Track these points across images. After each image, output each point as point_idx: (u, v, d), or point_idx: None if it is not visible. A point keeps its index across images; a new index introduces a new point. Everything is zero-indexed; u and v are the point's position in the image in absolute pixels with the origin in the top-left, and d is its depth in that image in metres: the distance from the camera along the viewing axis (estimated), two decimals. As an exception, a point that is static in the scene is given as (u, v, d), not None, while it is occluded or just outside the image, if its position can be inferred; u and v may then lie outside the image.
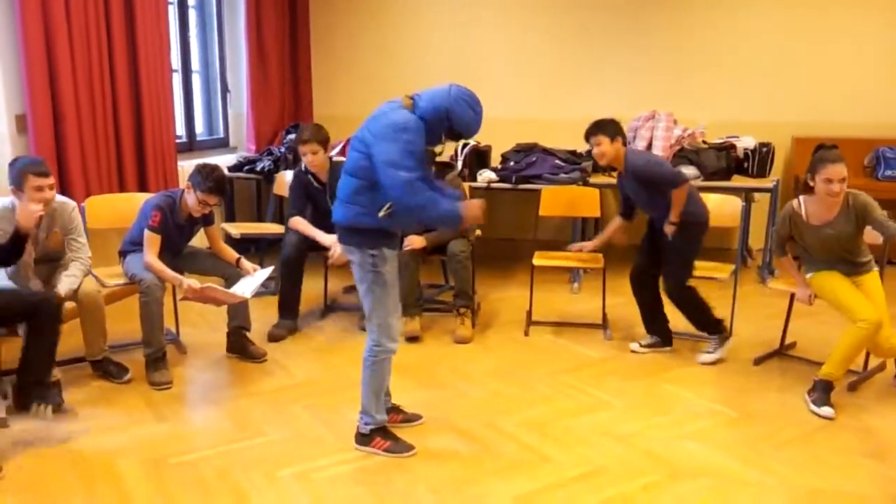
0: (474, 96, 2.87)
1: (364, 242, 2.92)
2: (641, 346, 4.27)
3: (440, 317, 4.78)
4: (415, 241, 4.36)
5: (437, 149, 3.12)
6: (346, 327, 4.64)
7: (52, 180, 3.40)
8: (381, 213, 2.86)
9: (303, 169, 4.49)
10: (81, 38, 4.43)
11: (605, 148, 3.96)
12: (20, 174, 3.33)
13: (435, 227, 2.87)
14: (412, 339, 4.36)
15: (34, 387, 3.22)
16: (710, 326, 4.16)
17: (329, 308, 4.98)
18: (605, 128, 3.97)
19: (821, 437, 3.25)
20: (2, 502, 2.72)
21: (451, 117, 2.83)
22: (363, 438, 3.11)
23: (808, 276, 3.77)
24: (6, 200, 3.45)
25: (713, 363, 4.08)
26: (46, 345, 3.25)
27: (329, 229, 4.36)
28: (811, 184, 3.57)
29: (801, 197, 3.69)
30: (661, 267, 4.14)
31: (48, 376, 3.30)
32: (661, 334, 4.28)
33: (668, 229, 3.99)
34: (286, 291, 4.48)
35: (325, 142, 4.39)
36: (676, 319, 4.19)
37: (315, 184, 4.47)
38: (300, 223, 4.46)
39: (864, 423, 3.39)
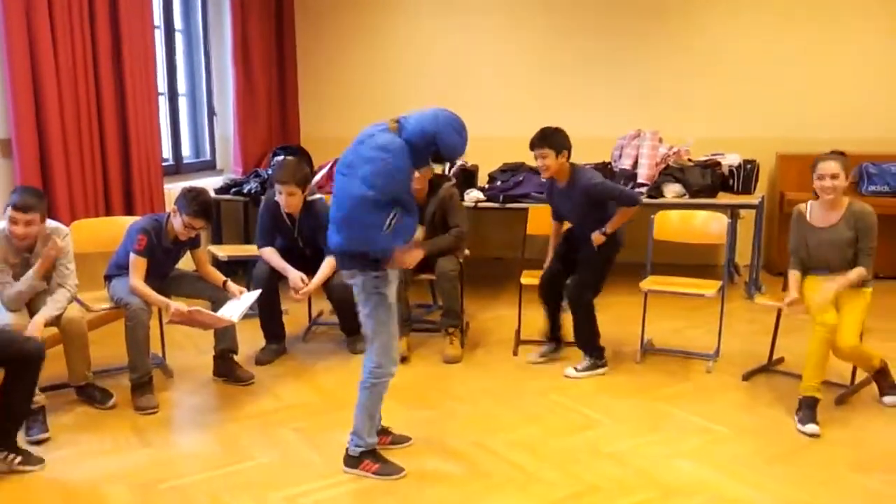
0: (460, 121, 2.92)
1: (367, 265, 2.92)
2: (541, 356, 4.34)
3: (429, 337, 4.77)
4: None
5: (437, 169, 3.14)
6: (333, 349, 4.61)
7: (28, 217, 3.35)
8: (384, 230, 2.83)
9: (274, 199, 4.31)
10: (67, 61, 4.43)
11: (550, 162, 3.94)
12: (8, 203, 3.35)
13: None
14: (400, 359, 4.31)
15: (6, 434, 3.09)
16: (593, 348, 4.17)
17: (314, 328, 4.96)
18: (552, 140, 3.91)
19: (810, 452, 3.25)
20: (-15, 532, 2.68)
21: (438, 142, 2.87)
22: (352, 461, 3.08)
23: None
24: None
25: (573, 377, 4.10)
26: (25, 391, 3.11)
27: (296, 262, 4.29)
28: (813, 187, 3.67)
29: (809, 201, 3.78)
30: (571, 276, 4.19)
31: (20, 424, 3.19)
32: (557, 339, 4.39)
33: (598, 239, 4.02)
34: (265, 318, 4.44)
35: (303, 183, 4.22)
36: (675, 336, 4.19)
37: (285, 217, 4.34)
38: (271, 255, 4.35)
39: (850, 436, 3.40)
